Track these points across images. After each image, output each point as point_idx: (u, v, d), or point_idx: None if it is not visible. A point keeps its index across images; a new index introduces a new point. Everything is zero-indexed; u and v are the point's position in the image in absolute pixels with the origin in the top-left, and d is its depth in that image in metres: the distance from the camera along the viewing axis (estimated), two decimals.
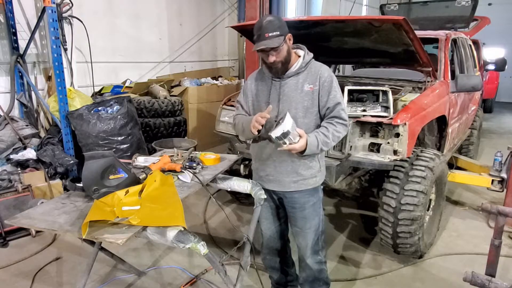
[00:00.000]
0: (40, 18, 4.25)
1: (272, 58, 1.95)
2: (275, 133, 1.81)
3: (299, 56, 2.08)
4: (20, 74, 4.29)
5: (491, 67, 7.05)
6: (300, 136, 1.89)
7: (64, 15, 4.36)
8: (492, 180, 3.74)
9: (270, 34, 1.90)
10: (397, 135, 2.71)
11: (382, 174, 2.94)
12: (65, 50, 4.46)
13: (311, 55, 2.10)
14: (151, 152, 4.32)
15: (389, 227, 2.83)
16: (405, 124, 2.68)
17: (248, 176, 2.84)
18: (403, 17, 2.63)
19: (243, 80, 6.71)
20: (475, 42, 6.02)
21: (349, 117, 2.74)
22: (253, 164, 2.28)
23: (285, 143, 1.85)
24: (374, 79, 3.77)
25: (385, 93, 2.86)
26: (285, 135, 1.81)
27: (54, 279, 2.79)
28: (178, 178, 2.15)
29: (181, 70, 6.53)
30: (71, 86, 4.52)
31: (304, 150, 1.92)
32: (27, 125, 4.19)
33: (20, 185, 3.45)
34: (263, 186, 2.22)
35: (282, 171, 2.12)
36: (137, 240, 3.15)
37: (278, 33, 1.90)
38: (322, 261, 2.30)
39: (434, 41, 3.85)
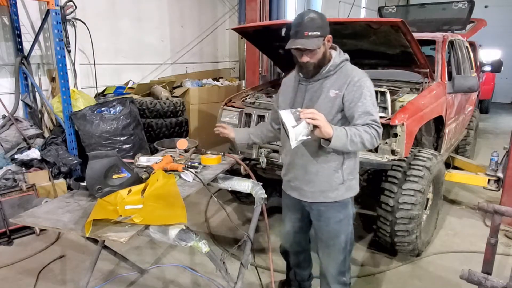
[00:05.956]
0: (44, 20, 4.29)
1: (305, 59, 1.79)
2: (294, 144, 1.61)
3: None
4: (25, 75, 4.33)
5: (487, 68, 7.03)
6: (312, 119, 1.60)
7: (67, 17, 4.41)
8: (489, 180, 3.76)
9: (309, 33, 1.71)
10: (395, 135, 2.73)
11: (380, 173, 2.96)
12: (69, 51, 4.51)
13: (344, 57, 1.90)
14: (153, 152, 4.35)
15: (387, 225, 2.85)
16: (403, 124, 2.71)
17: (248, 176, 2.87)
18: (401, 19, 2.64)
19: (243, 81, 6.74)
20: (472, 44, 6.02)
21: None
22: (282, 170, 2.17)
23: (307, 135, 1.62)
24: (372, 80, 3.79)
25: (383, 94, 2.88)
26: (298, 136, 1.60)
27: (58, 276, 2.81)
28: (180, 177, 2.17)
29: (183, 72, 6.56)
30: (74, 87, 4.57)
31: (331, 138, 1.64)
32: (31, 126, 4.22)
33: (24, 185, 3.47)
34: (287, 193, 2.13)
35: (301, 179, 1.98)
36: (140, 239, 3.16)
37: (319, 33, 1.72)
38: (346, 283, 2.10)
39: (431, 43, 3.87)
